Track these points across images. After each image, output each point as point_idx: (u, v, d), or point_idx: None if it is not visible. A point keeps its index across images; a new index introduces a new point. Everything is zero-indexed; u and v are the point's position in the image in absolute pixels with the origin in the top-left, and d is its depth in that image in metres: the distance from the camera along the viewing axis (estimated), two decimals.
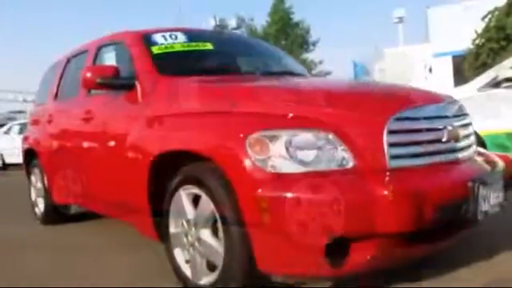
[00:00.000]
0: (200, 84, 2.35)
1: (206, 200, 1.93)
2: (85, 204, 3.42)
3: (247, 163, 1.72)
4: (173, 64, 2.66)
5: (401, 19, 25.21)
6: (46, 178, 3.90)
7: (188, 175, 2.05)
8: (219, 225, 1.88)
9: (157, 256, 2.72)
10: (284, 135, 1.74)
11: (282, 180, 1.68)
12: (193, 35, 2.92)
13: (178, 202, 2.13)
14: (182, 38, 2.83)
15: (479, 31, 17.44)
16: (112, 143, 2.76)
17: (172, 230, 2.20)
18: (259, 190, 1.68)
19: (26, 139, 4.47)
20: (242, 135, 1.77)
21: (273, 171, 1.70)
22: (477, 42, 17.50)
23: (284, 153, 1.71)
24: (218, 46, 2.92)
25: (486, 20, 17.12)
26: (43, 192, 3.98)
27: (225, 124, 1.93)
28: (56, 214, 3.99)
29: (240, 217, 1.76)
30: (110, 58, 3.06)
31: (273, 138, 1.74)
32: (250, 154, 1.73)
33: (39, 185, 4.09)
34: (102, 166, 2.93)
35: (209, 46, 2.86)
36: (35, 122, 4.32)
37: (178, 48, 2.76)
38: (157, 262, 2.52)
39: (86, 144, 3.14)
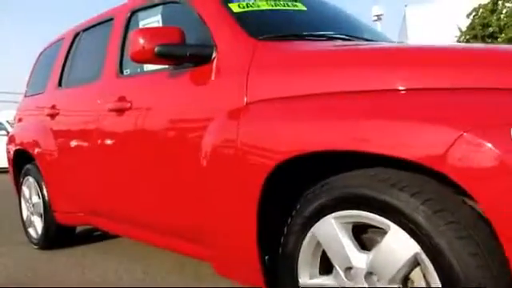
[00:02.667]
0: (346, 48, 1.55)
1: (398, 236, 1.14)
2: (113, 228, 2.53)
3: None
4: (265, 27, 1.85)
5: (379, 17, 25.06)
6: (46, 190, 2.98)
7: (353, 193, 1.24)
8: (426, 276, 1.11)
9: None
10: None
11: None
12: None
13: (321, 236, 1.33)
14: None
15: (463, 29, 17.28)
16: (173, 144, 1.90)
17: (306, 280, 1.39)
18: None
19: (13, 139, 3.49)
20: (501, 126, 0.99)
21: None
22: (461, 39, 17.31)
23: None
24: (310, 7, 2.13)
25: (471, 17, 16.96)
26: (42, 208, 3.05)
27: (446, 108, 1.11)
28: (59, 237, 3.07)
29: (500, 268, 1.00)
30: (152, 25, 2.20)
31: None
32: None
33: (35, 199, 3.15)
34: (154, 177, 2.04)
35: (301, 7, 2.07)
36: (28, 118, 3.36)
37: (264, 6, 1.94)
38: None
39: (120, 146, 2.26)
